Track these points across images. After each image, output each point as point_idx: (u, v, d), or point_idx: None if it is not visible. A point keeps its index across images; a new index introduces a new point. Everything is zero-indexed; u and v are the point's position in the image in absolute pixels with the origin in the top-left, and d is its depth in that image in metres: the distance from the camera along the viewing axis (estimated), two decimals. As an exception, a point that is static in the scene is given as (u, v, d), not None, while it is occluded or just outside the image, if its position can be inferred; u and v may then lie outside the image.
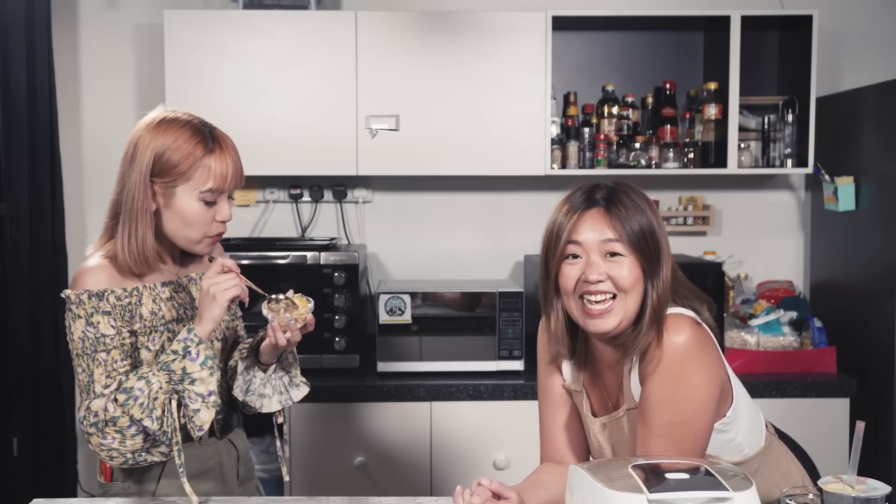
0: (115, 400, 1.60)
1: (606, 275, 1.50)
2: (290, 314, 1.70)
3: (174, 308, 1.75)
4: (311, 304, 1.74)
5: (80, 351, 1.65)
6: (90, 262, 1.72)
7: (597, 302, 1.51)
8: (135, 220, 1.69)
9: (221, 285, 1.63)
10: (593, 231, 1.51)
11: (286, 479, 1.89)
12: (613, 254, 1.51)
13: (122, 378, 1.64)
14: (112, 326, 1.66)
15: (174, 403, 1.62)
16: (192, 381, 1.62)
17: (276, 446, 1.91)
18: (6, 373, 2.97)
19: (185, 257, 1.82)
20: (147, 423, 1.60)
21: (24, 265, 3.03)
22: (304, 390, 1.87)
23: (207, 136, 1.70)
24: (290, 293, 1.72)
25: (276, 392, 1.83)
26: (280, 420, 1.87)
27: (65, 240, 3.19)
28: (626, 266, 1.51)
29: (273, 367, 1.82)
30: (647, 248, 1.51)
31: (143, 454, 1.65)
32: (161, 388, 1.61)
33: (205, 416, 1.62)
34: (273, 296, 1.71)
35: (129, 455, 1.64)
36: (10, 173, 2.98)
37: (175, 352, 1.62)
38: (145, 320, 1.70)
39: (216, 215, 1.71)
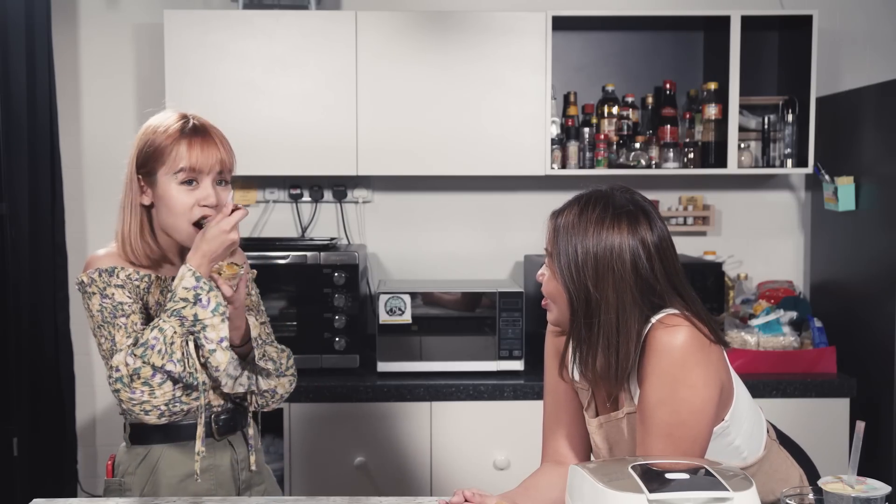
0: (133, 354, 1.62)
1: (543, 276, 1.62)
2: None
3: None
4: (243, 267, 1.73)
5: (101, 321, 1.69)
6: (100, 251, 1.77)
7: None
8: (127, 213, 1.74)
9: (236, 233, 1.66)
10: (545, 237, 1.63)
11: (252, 468, 1.85)
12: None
13: (138, 335, 1.66)
14: (128, 296, 1.70)
15: (192, 344, 1.64)
16: (204, 328, 1.63)
17: (249, 434, 1.86)
18: (6, 373, 2.97)
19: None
20: (170, 367, 1.62)
21: (24, 265, 3.03)
22: (273, 382, 1.80)
23: (186, 122, 1.73)
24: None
25: (243, 376, 1.77)
26: (252, 407, 1.83)
27: (65, 240, 3.19)
28: (547, 272, 1.60)
29: (250, 354, 1.78)
30: (564, 262, 1.54)
31: (178, 404, 1.66)
32: (175, 332, 1.62)
33: (220, 357, 1.64)
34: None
35: (162, 407, 1.65)
36: (10, 173, 2.98)
37: (185, 299, 1.63)
38: (150, 309, 1.73)
39: (199, 199, 1.71)
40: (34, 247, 3.08)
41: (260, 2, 3.09)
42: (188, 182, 1.70)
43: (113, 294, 1.69)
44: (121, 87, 3.32)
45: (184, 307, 1.63)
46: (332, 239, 3.19)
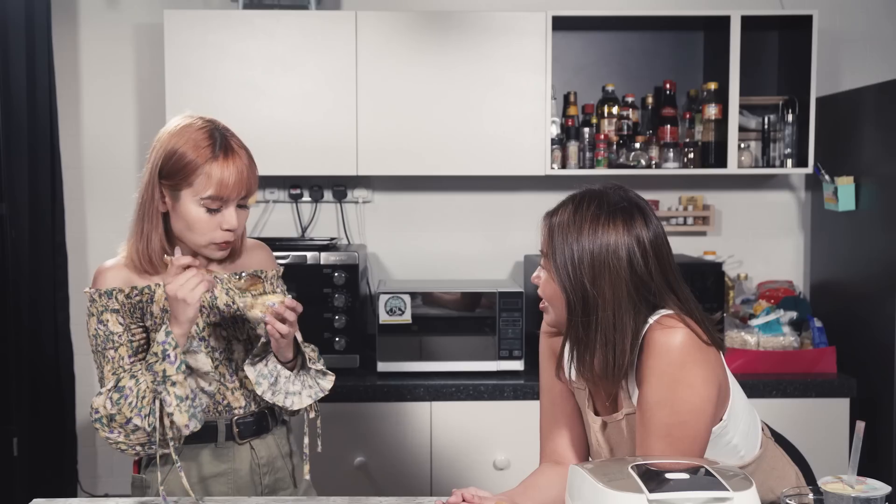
0: (111, 399, 1.63)
1: (539, 278, 1.61)
2: (269, 300, 1.67)
3: None
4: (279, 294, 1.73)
5: (94, 348, 1.71)
6: (108, 262, 1.75)
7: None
8: (142, 220, 1.72)
9: (187, 286, 1.61)
10: (540, 239, 1.62)
11: (306, 477, 1.85)
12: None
13: (122, 374, 1.65)
14: (120, 324, 1.69)
15: (157, 403, 1.63)
16: (174, 384, 1.62)
17: (304, 443, 1.85)
18: (6, 372, 2.97)
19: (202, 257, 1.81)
20: (137, 421, 1.62)
21: (24, 265, 3.03)
22: (331, 378, 1.85)
23: (216, 142, 1.68)
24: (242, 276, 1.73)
25: (305, 387, 1.80)
26: (312, 414, 1.84)
27: (65, 240, 3.19)
28: (543, 274, 1.60)
29: (298, 361, 1.79)
30: (560, 260, 1.53)
31: (153, 446, 1.66)
32: (148, 387, 1.63)
33: (179, 420, 1.62)
34: (230, 278, 1.72)
35: (137, 448, 1.66)
36: (10, 173, 2.98)
37: (155, 354, 1.63)
38: (156, 317, 1.72)
39: (222, 223, 1.70)
40: (34, 247, 3.08)
41: (260, 2, 3.09)
42: (212, 207, 1.68)
43: (107, 321, 1.68)
44: (121, 87, 3.32)
45: (155, 362, 1.62)
46: (332, 239, 3.19)
